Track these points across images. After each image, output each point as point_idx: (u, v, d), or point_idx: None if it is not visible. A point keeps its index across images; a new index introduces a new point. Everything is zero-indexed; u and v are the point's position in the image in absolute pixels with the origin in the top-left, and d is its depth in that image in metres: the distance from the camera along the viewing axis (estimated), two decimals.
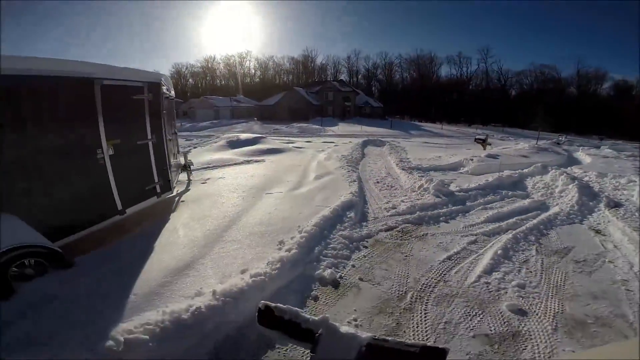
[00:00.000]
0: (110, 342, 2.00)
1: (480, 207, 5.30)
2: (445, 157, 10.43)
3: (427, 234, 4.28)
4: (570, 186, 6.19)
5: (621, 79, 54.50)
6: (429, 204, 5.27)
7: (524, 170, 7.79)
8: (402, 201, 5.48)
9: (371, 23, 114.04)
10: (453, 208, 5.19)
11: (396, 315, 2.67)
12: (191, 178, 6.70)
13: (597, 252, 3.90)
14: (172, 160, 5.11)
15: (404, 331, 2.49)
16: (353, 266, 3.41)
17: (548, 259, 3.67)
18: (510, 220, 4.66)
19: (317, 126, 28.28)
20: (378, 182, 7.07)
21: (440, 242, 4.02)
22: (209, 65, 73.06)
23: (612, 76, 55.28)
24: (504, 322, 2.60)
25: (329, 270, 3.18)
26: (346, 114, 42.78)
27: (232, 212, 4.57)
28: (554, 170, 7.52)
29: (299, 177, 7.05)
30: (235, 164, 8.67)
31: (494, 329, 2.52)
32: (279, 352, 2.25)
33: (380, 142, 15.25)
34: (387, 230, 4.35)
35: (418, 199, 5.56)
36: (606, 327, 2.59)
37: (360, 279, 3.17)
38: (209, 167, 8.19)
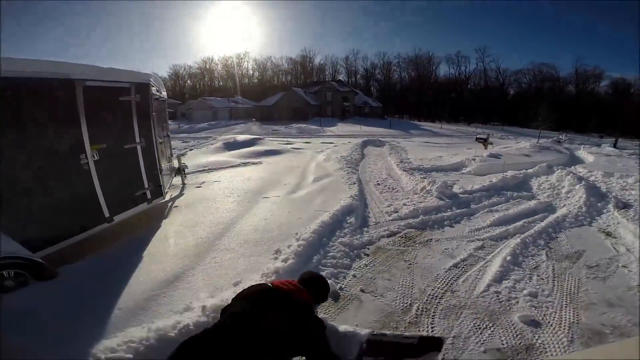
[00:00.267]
0: None
1: (485, 210, 5.13)
2: (447, 157, 10.29)
3: (431, 239, 4.09)
4: (577, 187, 6.02)
5: (619, 77, 54.58)
6: (432, 207, 5.09)
7: (529, 171, 7.64)
8: (405, 204, 5.30)
9: (370, 23, 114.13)
10: (457, 211, 5.01)
11: (401, 329, 2.49)
12: (185, 182, 6.52)
13: (610, 256, 3.74)
14: (163, 164, 4.92)
15: None
16: (354, 276, 3.22)
17: (559, 265, 3.50)
18: (518, 224, 4.49)
19: (316, 126, 28.13)
20: (379, 184, 6.90)
21: (446, 248, 3.84)
22: (207, 66, 72.93)
23: (609, 74, 55.42)
24: (517, 335, 2.44)
25: (328, 282, 2.97)
26: (345, 114, 42.63)
27: (226, 218, 4.39)
28: (559, 170, 7.35)
29: (297, 180, 6.88)
30: (232, 166, 8.50)
31: (506, 342, 2.37)
32: None
33: (380, 142, 15.12)
34: (389, 236, 4.17)
35: (421, 202, 5.38)
36: (625, 336, 2.44)
37: (362, 290, 2.98)
38: (204, 170, 8.02)
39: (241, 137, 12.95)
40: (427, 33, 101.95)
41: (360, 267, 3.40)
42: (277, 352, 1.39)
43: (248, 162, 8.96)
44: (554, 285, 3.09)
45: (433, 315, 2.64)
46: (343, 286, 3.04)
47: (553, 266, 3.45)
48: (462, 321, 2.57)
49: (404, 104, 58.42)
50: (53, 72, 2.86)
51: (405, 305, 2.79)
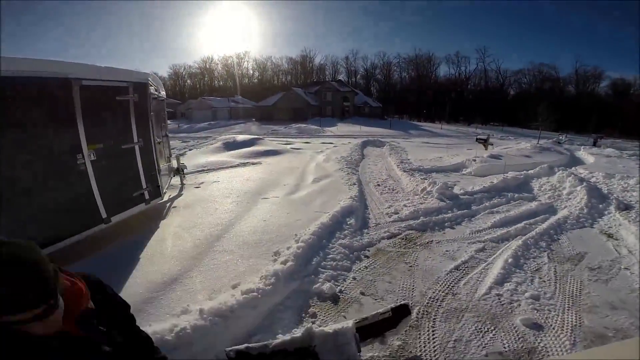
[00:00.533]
0: None
1: (486, 211, 5.10)
2: (447, 158, 10.25)
3: (432, 241, 4.05)
4: (578, 188, 5.98)
5: (619, 77, 54.69)
6: (432, 209, 5.05)
7: (530, 172, 7.61)
8: (405, 205, 5.26)
9: (370, 23, 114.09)
10: (458, 212, 4.97)
11: (401, 333, 2.44)
12: (184, 182, 6.47)
13: (612, 258, 3.70)
14: (162, 164, 4.87)
15: (410, 351, 2.28)
16: (354, 278, 3.18)
17: (561, 267, 3.46)
18: (519, 225, 4.45)
19: (316, 126, 28.08)
20: (379, 185, 6.86)
21: (447, 250, 3.79)
22: (207, 66, 72.91)
23: (609, 75, 55.53)
24: (519, 338, 2.41)
25: (327, 284, 2.94)
26: (345, 114, 42.58)
27: (225, 220, 4.34)
28: (560, 171, 7.32)
29: (296, 180, 6.83)
30: (231, 166, 8.45)
31: (508, 346, 2.34)
32: None
33: (380, 143, 15.08)
34: (389, 237, 4.13)
35: (421, 203, 5.34)
36: (628, 339, 2.39)
37: (362, 293, 2.94)
38: (203, 170, 7.96)
39: (241, 137, 12.91)
40: (427, 33, 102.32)
41: (360, 269, 3.36)
42: None
43: (247, 163, 8.91)
44: (556, 288, 3.05)
45: (434, 319, 2.60)
46: (343, 289, 3.00)
47: (555, 268, 3.41)
48: (464, 324, 2.53)
49: (403, 104, 58.42)
50: (49, 71, 2.82)
51: None
